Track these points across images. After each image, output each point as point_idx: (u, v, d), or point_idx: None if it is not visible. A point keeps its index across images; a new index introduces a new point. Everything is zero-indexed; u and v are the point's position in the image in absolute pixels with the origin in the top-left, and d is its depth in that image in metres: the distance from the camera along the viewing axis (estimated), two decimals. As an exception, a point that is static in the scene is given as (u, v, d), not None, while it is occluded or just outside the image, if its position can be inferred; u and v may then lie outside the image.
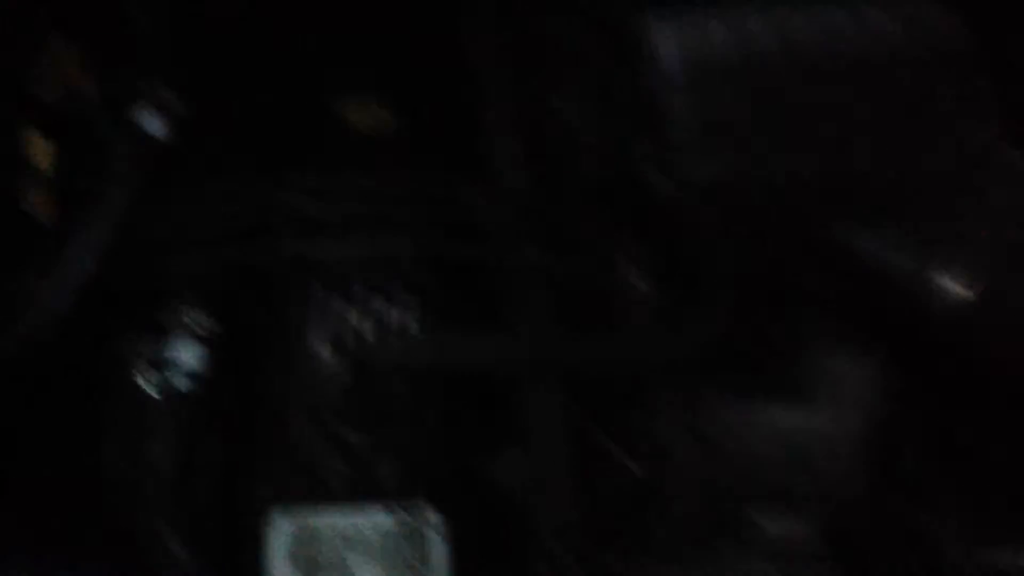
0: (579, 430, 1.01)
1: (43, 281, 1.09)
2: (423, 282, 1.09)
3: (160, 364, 1.03)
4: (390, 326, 1.05)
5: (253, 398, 1.03)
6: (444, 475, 0.96)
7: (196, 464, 1.00)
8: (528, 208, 1.17)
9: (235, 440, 1.02)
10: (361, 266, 1.09)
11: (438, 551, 0.89)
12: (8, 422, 1.15)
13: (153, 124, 1.17)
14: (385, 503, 0.91)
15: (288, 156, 1.18)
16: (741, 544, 0.94)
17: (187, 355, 1.04)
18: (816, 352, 1.07)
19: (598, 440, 1.03)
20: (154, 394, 1.02)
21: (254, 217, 1.11)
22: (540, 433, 0.99)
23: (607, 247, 1.12)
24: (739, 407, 1.03)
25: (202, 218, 1.13)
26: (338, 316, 1.05)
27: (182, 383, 1.02)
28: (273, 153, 1.19)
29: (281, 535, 0.88)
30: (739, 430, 1.01)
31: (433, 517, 0.90)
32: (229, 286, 1.10)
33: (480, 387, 1.02)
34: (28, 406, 1.17)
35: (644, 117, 1.08)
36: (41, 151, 1.18)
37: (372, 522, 0.89)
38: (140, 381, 1.03)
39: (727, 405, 1.03)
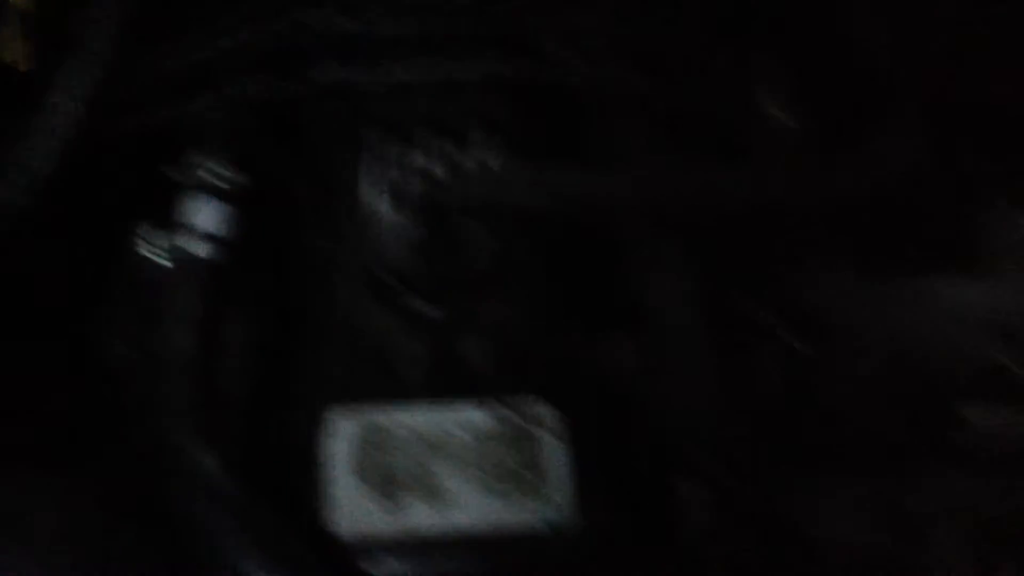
0: (712, 297, 0.77)
1: (24, 135, 0.86)
2: (498, 115, 0.84)
3: (172, 227, 0.80)
4: (461, 168, 0.80)
5: (294, 266, 0.80)
6: (549, 357, 0.73)
7: (225, 352, 0.77)
8: (617, 17, 0.91)
9: (273, 320, 0.79)
10: (418, 96, 0.84)
11: (553, 456, 0.66)
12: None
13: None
14: (479, 397, 0.68)
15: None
16: (944, 449, 0.71)
17: (205, 215, 0.80)
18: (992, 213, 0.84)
19: (740, 310, 0.79)
20: (166, 264, 0.79)
21: (280, 40, 0.86)
22: (662, 301, 0.76)
23: (727, 65, 0.87)
24: (918, 274, 0.80)
25: (214, 44, 0.88)
26: (395, 158, 0.81)
27: (200, 249, 0.79)
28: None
29: (343, 440, 0.65)
30: (926, 301, 0.77)
31: (545, 413, 0.67)
32: (253, 128, 0.85)
33: (582, 242, 0.78)
34: (12, 286, 0.95)
35: None
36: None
37: (462, 421, 0.67)
38: (147, 250, 0.80)
39: (903, 272, 0.79)
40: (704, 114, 0.85)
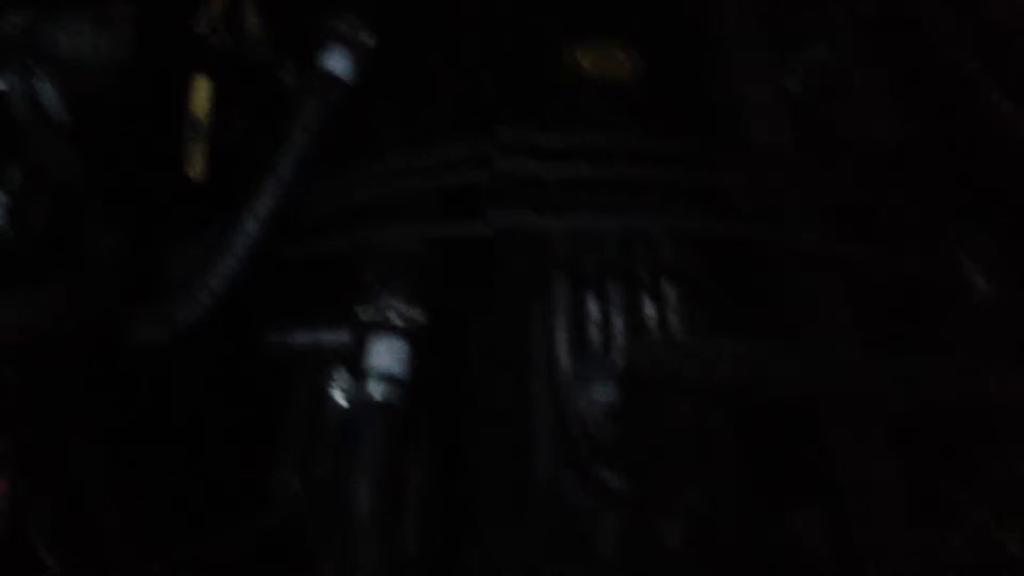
0: (911, 477, 0.73)
1: (210, 254, 0.88)
2: (686, 269, 0.82)
3: (355, 366, 0.80)
4: (650, 326, 0.79)
5: (482, 422, 0.79)
6: (743, 536, 0.69)
7: (408, 511, 0.75)
8: (804, 178, 0.89)
9: (458, 476, 0.78)
10: (609, 244, 0.83)
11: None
12: (153, 429, 0.95)
13: (340, 65, 0.94)
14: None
15: (506, 109, 0.93)
16: None
17: (391, 356, 0.79)
18: None
19: (939, 491, 0.75)
20: (347, 405, 0.78)
21: (465, 181, 0.86)
22: (859, 478, 0.72)
23: (928, 228, 0.84)
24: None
25: (400, 181, 0.89)
26: (581, 310, 0.80)
27: (382, 391, 0.78)
28: (486, 105, 0.95)
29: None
30: None
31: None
32: (440, 268, 0.85)
33: (779, 416, 0.75)
34: (179, 412, 0.96)
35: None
36: (202, 100, 0.97)
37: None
38: (331, 389, 0.79)
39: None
40: (904, 279, 0.82)
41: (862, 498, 0.71)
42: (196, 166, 0.99)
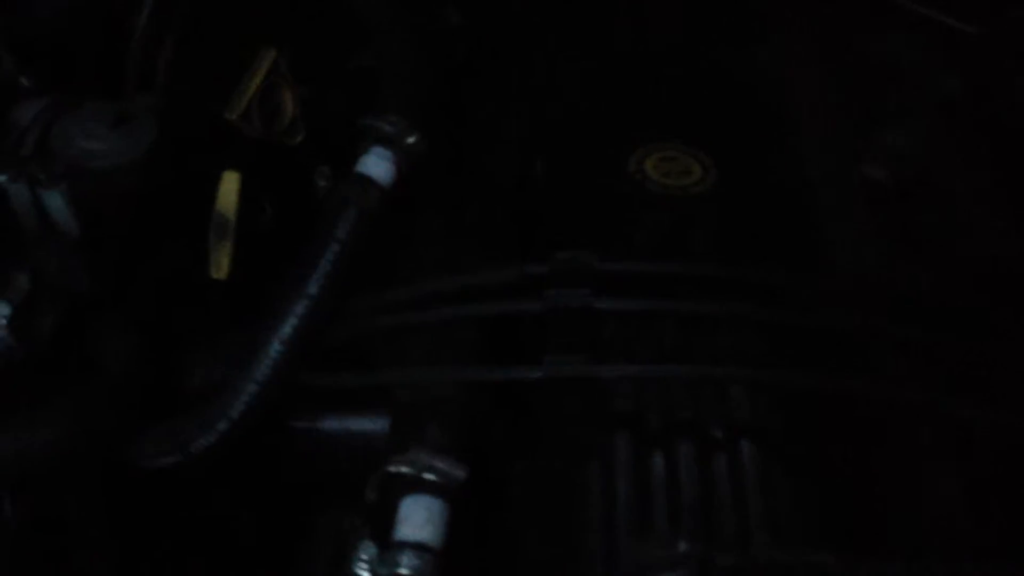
0: None
1: (228, 378, 0.80)
2: (765, 425, 0.72)
3: (382, 532, 0.70)
4: (726, 505, 0.68)
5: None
6: None
7: None
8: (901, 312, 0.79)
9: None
10: (672, 394, 0.73)
11: None
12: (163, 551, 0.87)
13: (382, 170, 0.85)
14: None
15: (558, 229, 0.83)
16: None
17: (421, 519, 0.70)
18: None
19: None
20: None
21: (513, 311, 0.77)
22: None
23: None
24: None
25: (438, 310, 0.80)
26: (646, 471, 0.69)
27: (413, 566, 0.68)
28: (537, 222, 0.85)
29: None
30: None
31: None
32: (486, 413, 0.75)
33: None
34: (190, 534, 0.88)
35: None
36: (231, 196, 0.89)
37: None
38: (355, 559, 0.69)
39: None
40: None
41: None
42: (222, 267, 0.91)
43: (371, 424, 0.85)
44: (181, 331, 0.89)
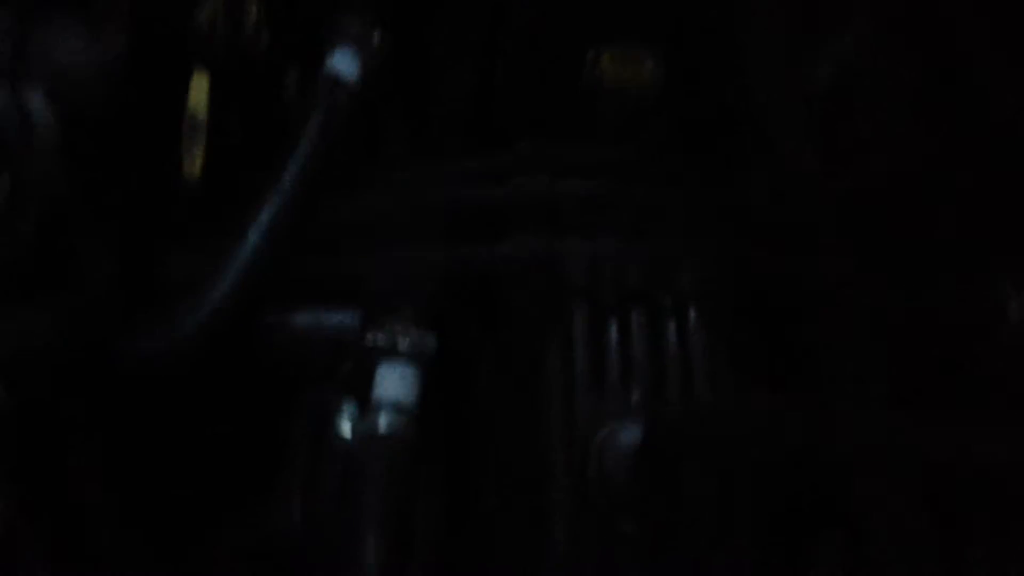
0: (944, 533, 0.69)
1: (210, 267, 0.84)
2: (711, 298, 0.78)
3: (361, 398, 0.76)
4: (672, 359, 0.75)
5: (483, 451, 0.76)
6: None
7: (412, 540, 0.72)
8: (832, 199, 0.85)
9: (466, 511, 0.75)
10: (626, 270, 0.79)
11: None
12: (152, 444, 0.92)
13: (349, 67, 0.89)
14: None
15: (519, 122, 0.88)
16: None
17: (397, 383, 0.76)
18: None
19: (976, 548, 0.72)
20: (353, 439, 0.75)
21: (477, 204, 0.82)
22: (888, 533, 0.69)
23: (971, 269, 0.80)
24: None
25: (409, 199, 0.85)
26: (601, 341, 0.76)
27: (389, 423, 0.74)
28: (498, 117, 0.90)
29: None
30: None
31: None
32: (447, 296, 0.81)
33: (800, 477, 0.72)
34: (178, 427, 0.93)
35: None
36: (201, 97, 0.92)
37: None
38: (336, 419, 0.76)
39: None
40: (939, 312, 0.78)
41: (891, 554, 0.67)
42: (194, 165, 0.94)
43: (342, 318, 0.90)
44: (159, 233, 0.93)
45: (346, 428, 0.74)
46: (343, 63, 0.89)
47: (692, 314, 0.77)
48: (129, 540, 0.88)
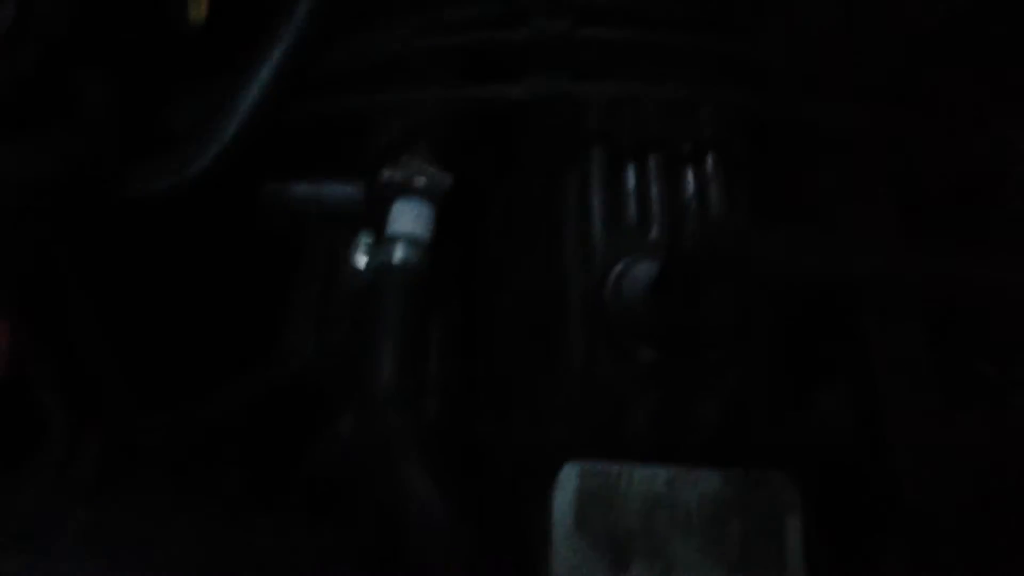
0: (943, 358, 0.71)
1: (218, 101, 0.83)
2: (727, 143, 0.78)
3: (378, 231, 0.76)
4: (689, 201, 0.75)
5: (508, 298, 0.76)
6: (777, 419, 0.68)
7: (426, 371, 0.73)
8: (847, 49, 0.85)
9: (477, 342, 0.75)
10: (644, 115, 0.79)
11: (792, 536, 0.61)
12: (159, 282, 0.92)
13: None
14: (714, 461, 0.63)
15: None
16: None
17: (413, 218, 0.76)
18: None
19: (972, 371, 0.74)
20: (368, 267, 0.75)
21: (499, 40, 0.81)
22: (889, 360, 0.70)
23: (977, 102, 0.80)
24: None
25: (429, 38, 0.83)
26: (618, 182, 0.76)
27: (405, 254, 0.74)
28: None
29: (568, 493, 0.61)
30: None
31: (788, 489, 0.63)
32: (462, 132, 0.81)
33: (814, 301, 0.73)
34: (185, 265, 0.93)
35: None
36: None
37: (692, 483, 0.63)
38: (352, 250, 0.76)
39: None
40: (946, 157, 0.78)
41: (894, 379, 0.69)
42: (200, 8, 0.93)
43: (343, 189, 0.89)
44: (162, 76, 0.92)
45: (361, 260, 0.74)
46: None
47: (710, 161, 0.77)
48: (135, 374, 0.88)
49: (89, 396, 0.84)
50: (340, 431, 0.78)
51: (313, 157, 0.90)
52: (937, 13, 0.88)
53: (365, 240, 0.74)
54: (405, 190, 0.76)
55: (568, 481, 0.61)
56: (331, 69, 0.86)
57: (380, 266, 0.73)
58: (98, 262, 0.91)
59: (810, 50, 0.83)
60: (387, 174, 0.76)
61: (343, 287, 0.77)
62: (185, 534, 0.54)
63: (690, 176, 0.76)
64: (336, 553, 0.58)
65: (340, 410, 0.78)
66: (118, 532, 0.53)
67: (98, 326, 0.90)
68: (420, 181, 0.76)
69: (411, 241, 0.74)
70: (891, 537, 0.68)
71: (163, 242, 0.93)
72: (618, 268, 0.69)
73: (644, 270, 0.68)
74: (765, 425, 0.67)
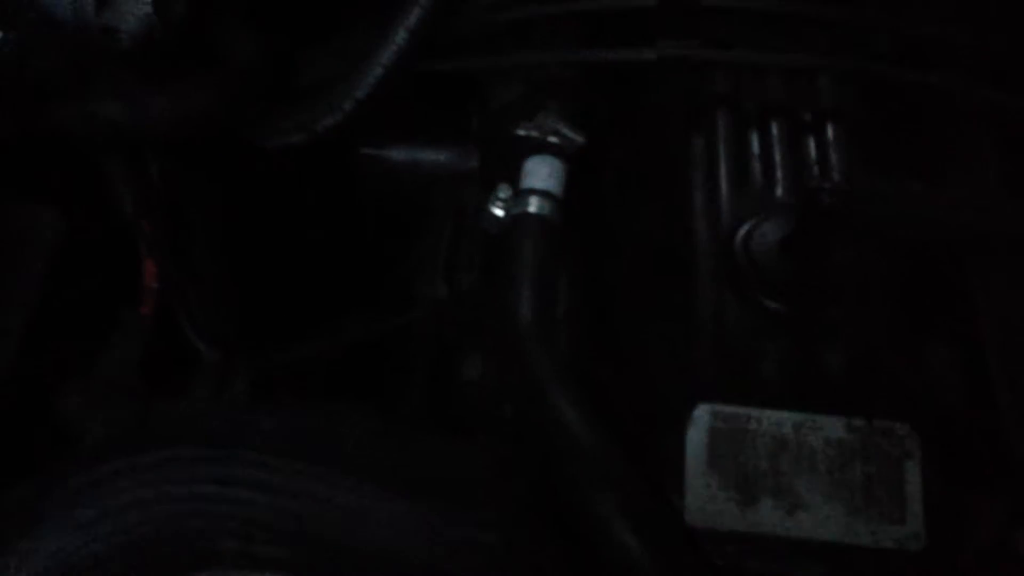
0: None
1: (354, 60, 0.87)
2: (846, 110, 0.81)
3: (513, 185, 0.80)
4: (811, 165, 0.79)
5: (633, 244, 0.80)
6: (901, 371, 0.71)
7: (559, 314, 0.78)
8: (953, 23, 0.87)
9: (613, 296, 0.80)
10: (767, 82, 0.82)
11: (907, 476, 0.65)
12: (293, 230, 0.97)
13: None
14: (840, 408, 0.67)
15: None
16: None
17: (547, 173, 0.80)
18: None
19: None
20: (505, 218, 0.79)
21: (628, 6, 0.85)
22: (996, 315, 0.73)
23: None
24: None
25: (559, 3, 0.87)
26: (743, 144, 0.80)
27: (541, 206, 0.78)
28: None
29: (701, 433, 0.66)
30: None
31: (909, 439, 0.66)
32: (594, 94, 0.84)
33: (927, 255, 0.76)
34: (316, 215, 0.98)
35: None
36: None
37: (819, 428, 0.66)
38: (489, 202, 0.80)
39: None
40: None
41: (1001, 339, 0.72)
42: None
43: (437, 155, 0.93)
44: (297, 30, 0.96)
45: (498, 208, 0.78)
46: None
47: (831, 127, 0.80)
48: (273, 313, 0.94)
49: (230, 333, 0.90)
50: (463, 374, 0.83)
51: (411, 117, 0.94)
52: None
53: (503, 192, 0.78)
54: (540, 147, 0.80)
55: (701, 420, 0.66)
56: (455, 31, 0.89)
57: (518, 216, 0.77)
58: (235, 205, 0.97)
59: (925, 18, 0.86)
60: (523, 131, 0.80)
61: (476, 236, 0.81)
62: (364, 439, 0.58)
63: (811, 143, 0.79)
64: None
65: (465, 355, 0.83)
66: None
67: (233, 267, 0.96)
68: (555, 139, 0.80)
69: (546, 195, 0.78)
70: (999, 492, 0.71)
71: (293, 186, 0.98)
72: (747, 225, 0.73)
73: (772, 227, 0.72)
74: (884, 377, 0.70)
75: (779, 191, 0.77)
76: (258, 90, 0.92)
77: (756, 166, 0.78)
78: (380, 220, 0.98)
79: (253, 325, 0.93)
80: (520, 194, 0.79)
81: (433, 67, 0.90)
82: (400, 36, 0.88)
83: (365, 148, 0.97)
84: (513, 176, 0.80)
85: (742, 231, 0.73)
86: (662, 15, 0.83)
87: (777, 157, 0.78)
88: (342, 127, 0.88)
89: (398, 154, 0.96)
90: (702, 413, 0.66)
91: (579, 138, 0.80)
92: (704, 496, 0.64)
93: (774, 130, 0.80)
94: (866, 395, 0.68)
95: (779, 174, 0.77)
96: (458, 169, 0.93)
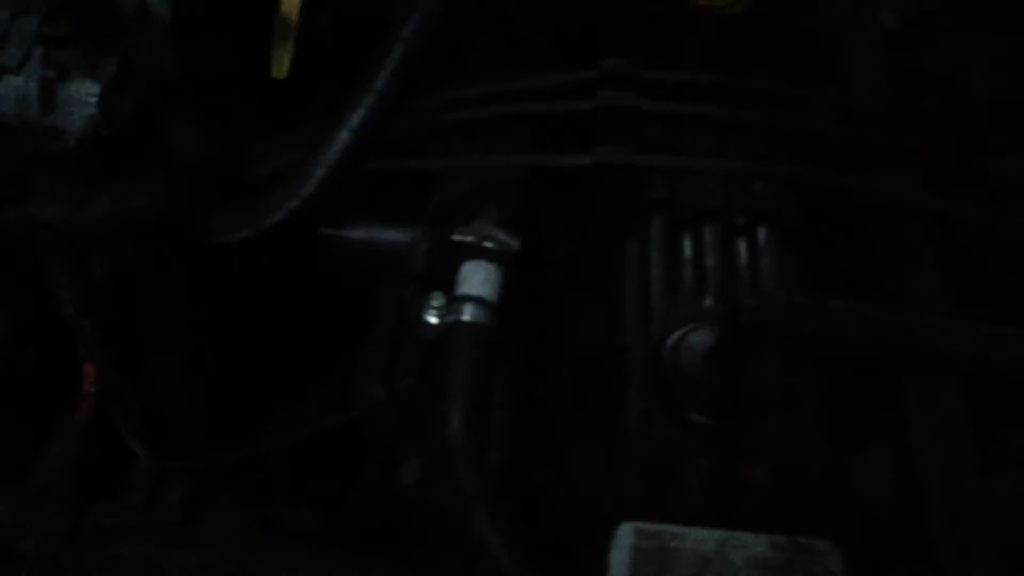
0: (980, 428, 0.75)
1: (299, 160, 0.88)
2: (781, 216, 0.83)
3: (447, 290, 0.81)
4: (743, 271, 0.79)
5: (570, 357, 0.80)
6: (820, 483, 0.72)
7: (491, 425, 0.78)
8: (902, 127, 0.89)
9: (540, 399, 0.80)
10: (702, 186, 0.83)
11: (831, 596, 0.65)
12: (232, 324, 0.97)
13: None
14: (762, 525, 0.67)
15: (608, 39, 0.91)
16: None
17: (481, 279, 0.81)
18: None
19: (1006, 442, 0.77)
20: (438, 325, 0.80)
21: (567, 111, 0.86)
22: (927, 427, 0.74)
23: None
24: None
25: (501, 106, 0.89)
26: (677, 251, 0.81)
27: (475, 313, 0.79)
28: (580, 33, 0.93)
29: (622, 553, 0.65)
30: None
31: (831, 556, 0.66)
32: (529, 197, 0.86)
33: (853, 368, 0.77)
34: (259, 309, 0.98)
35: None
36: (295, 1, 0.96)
37: (741, 546, 0.66)
38: (423, 307, 0.80)
39: None
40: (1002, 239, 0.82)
41: (931, 447, 0.73)
42: (282, 66, 0.98)
43: (397, 235, 0.94)
44: (247, 125, 0.97)
45: (432, 317, 0.78)
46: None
47: (763, 233, 0.81)
48: (212, 411, 0.94)
49: (171, 436, 0.89)
50: (401, 478, 0.82)
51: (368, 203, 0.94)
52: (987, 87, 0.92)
53: (436, 300, 0.78)
54: (475, 252, 0.81)
55: (624, 539, 0.65)
56: (400, 131, 0.91)
57: (451, 323, 0.78)
58: (176, 298, 0.97)
59: (863, 122, 0.88)
60: (458, 236, 0.81)
61: (413, 341, 0.82)
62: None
63: (743, 248, 0.80)
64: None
65: (401, 457, 0.82)
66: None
67: (177, 365, 0.96)
68: (490, 244, 0.81)
69: (480, 302, 0.79)
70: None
71: (236, 281, 0.98)
72: (676, 335, 0.74)
73: (698, 339, 0.72)
74: (810, 492, 0.70)
75: (708, 300, 0.77)
76: (206, 187, 0.92)
77: (688, 272, 0.79)
78: (328, 313, 0.98)
79: (195, 425, 0.93)
80: (454, 300, 0.79)
81: (381, 168, 0.91)
82: (343, 137, 0.89)
83: (323, 228, 0.97)
84: (452, 275, 0.81)
85: (670, 341, 0.73)
86: (599, 120, 0.85)
87: (709, 263, 0.79)
88: (289, 224, 0.89)
89: (356, 233, 0.97)
90: (625, 533, 0.65)
91: (515, 243, 0.81)
92: (626, 616, 0.64)
93: (707, 235, 0.81)
94: (792, 510, 0.68)
95: (709, 282, 0.78)
96: (416, 251, 0.93)
